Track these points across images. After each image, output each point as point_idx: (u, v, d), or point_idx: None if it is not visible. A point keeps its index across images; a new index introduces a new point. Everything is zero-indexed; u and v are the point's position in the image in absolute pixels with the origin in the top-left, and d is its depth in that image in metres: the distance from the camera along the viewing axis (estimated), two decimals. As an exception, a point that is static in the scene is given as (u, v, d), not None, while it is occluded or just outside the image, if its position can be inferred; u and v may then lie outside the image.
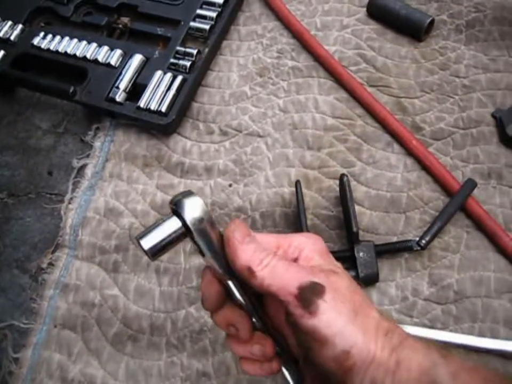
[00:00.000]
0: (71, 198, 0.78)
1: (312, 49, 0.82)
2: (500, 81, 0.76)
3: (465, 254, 0.67)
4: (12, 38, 0.88)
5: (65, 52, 0.85)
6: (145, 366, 0.67)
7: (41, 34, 0.88)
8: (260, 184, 0.74)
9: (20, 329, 0.71)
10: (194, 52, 0.82)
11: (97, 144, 0.82)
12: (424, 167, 0.72)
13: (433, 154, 0.72)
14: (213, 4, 0.87)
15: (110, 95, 0.80)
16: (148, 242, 0.42)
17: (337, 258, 0.47)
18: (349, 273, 0.45)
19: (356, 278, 0.64)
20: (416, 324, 0.64)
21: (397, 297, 0.66)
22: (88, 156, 0.82)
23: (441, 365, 0.38)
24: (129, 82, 0.81)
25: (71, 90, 0.81)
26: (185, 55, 0.82)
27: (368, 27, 0.84)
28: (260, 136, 0.78)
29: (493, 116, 0.74)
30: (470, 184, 0.68)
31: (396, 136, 0.74)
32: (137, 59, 0.83)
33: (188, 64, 0.81)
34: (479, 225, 0.68)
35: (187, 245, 0.71)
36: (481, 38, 0.80)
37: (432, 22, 0.80)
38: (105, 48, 0.84)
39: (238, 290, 0.45)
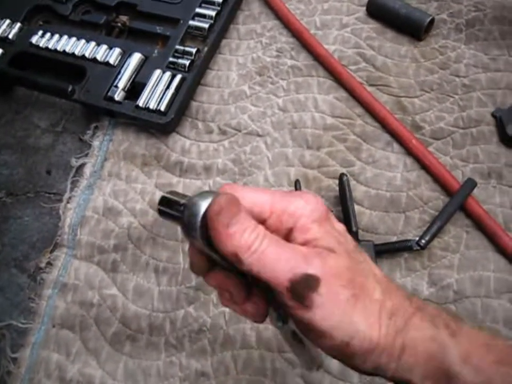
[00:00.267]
0: (70, 197, 0.78)
1: (312, 48, 0.82)
2: (500, 80, 0.76)
3: (465, 253, 0.67)
4: (10, 36, 0.88)
5: (64, 51, 0.85)
6: (144, 366, 0.66)
7: (40, 32, 0.88)
8: (259, 183, 0.74)
9: (18, 328, 0.71)
10: (194, 50, 0.82)
11: (96, 143, 0.82)
12: (424, 166, 0.72)
13: (433, 154, 0.72)
14: (212, 3, 0.86)
15: (109, 94, 0.80)
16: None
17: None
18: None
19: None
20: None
21: (397, 297, 0.65)
22: (86, 155, 0.81)
23: (450, 347, 0.36)
24: (128, 81, 0.81)
25: (69, 89, 0.81)
26: (184, 53, 0.82)
27: (367, 26, 0.83)
28: (259, 135, 0.78)
29: (493, 115, 0.74)
30: (470, 184, 0.68)
31: (395, 136, 0.74)
32: (136, 58, 0.82)
33: (187, 63, 0.81)
34: (479, 225, 0.67)
35: (185, 245, 0.71)
36: (481, 37, 0.80)
37: (432, 21, 0.80)
38: (104, 46, 0.84)
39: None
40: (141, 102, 0.79)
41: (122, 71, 0.82)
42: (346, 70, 0.79)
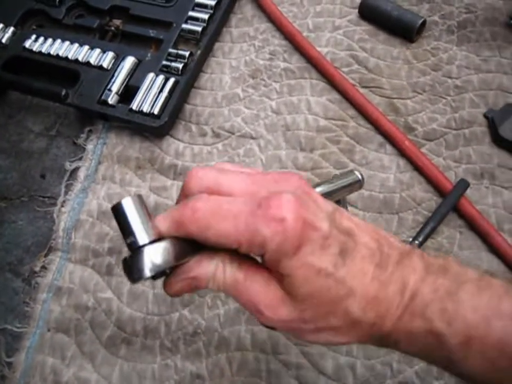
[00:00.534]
0: (64, 201, 0.78)
1: (304, 51, 0.82)
2: (491, 81, 0.77)
3: (458, 254, 0.67)
4: (4, 40, 0.88)
5: (57, 55, 0.85)
6: (139, 369, 0.66)
7: (33, 36, 0.87)
8: (253, 185, 0.74)
9: (13, 333, 0.71)
10: (187, 54, 0.82)
11: (89, 146, 0.82)
12: (417, 167, 0.72)
13: (425, 155, 0.72)
14: (205, 6, 0.86)
15: (103, 97, 0.80)
16: None
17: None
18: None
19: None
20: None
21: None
22: (80, 158, 0.81)
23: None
24: (122, 84, 0.81)
25: (63, 93, 0.81)
26: (178, 57, 0.82)
27: (360, 28, 0.84)
28: (252, 138, 0.78)
29: (485, 116, 0.74)
30: (463, 185, 0.69)
31: (388, 137, 0.75)
32: (129, 61, 0.82)
33: (180, 66, 0.81)
34: (472, 226, 0.68)
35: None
36: (472, 38, 0.80)
37: (423, 23, 0.80)
38: (97, 50, 0.84)
39: None
40: (134, 106, 0.79)
41: (115, 75, 0.82)
42: (339, 72, 0.79)
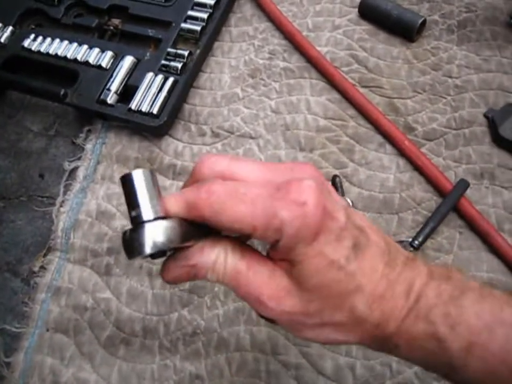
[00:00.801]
0: (63, 201, 0.78)
1: (304, 50, 0.82)
2: (492, 81, 0.76)
3: (458, 254, 0.67)
4: (2, 40, 0.88)
5: (56, 54, 0.85)
6: (138, 369, 0.66)
7: (32, 36, 0.87)
8: (252, 185, 0.74)
9: (11, 333, 0.71)
10: (186, 53, 0.82)
11: (88, 146, 0.81)
12: (417, 167, 0.72)
13: (425, 155, 0.72)
14: (204, 5, 0.86)
15: (101, 97, 0.80)
16: None
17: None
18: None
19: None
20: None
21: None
22: (79, 158, 0.81)
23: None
24: (121, 84, 0.81)
25: (62, 93, 0.81)
26: (177, 56, 0.82)
27: (359, 28, 0.84)
28: (251, 137, 0.78)
29: (485, 116, 0.74)
30: (463, 185, 0.68)
31: (388, 137, 0.74)
32: (128, 61, 0.82)
33: (179, 65, 0.81)
34: (472, 226, 0.68)
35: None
36: (473, 38, 0.80)
37: (424, 22, 0.80)
38: (96, 50, 0.84)
39: None
40: (133, 105, 0.79)
41: (114, 74, 0.82)
42: (338, 72, 0.79)
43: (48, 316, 0.71)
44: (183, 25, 0.85)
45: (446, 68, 0.78)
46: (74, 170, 0.80)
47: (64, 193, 0.79)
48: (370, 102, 0.76)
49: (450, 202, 0.67)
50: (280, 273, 0.38)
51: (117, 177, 0.78)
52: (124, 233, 0.37)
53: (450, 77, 0.78)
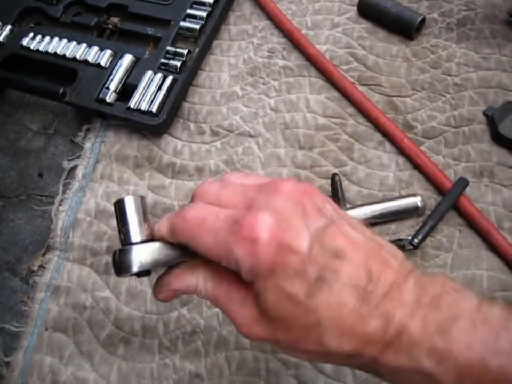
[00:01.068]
0: (62, 200, 0.78)
1: (303, 49, 0.82)
2: (491, 79, 0.76)
3: (458, 252, 0.67)
4: (1, 39, 0.87)
5: (55, 53, 0.85)
6: (138, 368, 0.66)
7: (31, 35, 0.87)
8: (251, 184, 0.74)
9: (10, 332, 0.71)
10: (185, 51, 0.82)
11: (87, 145, 0.81)
12: (416, 165, 0.72)
13: (425, 153, 0.72)
14: (203, 4, 0.86)
15: (100, 95, 0.80)
16: None
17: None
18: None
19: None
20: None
21: (390, 296, 0.65)
22: (78, 157, 0.81)
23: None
24: (120, 82, 0.81)
25: (61, 91, 0.80)
26: (176, 55, 0.82)
27: (359, 26, 0.83)
28: (251, 136, 0.78)
29: (484, 114, 0.74)
30: (462, 183, 0.68)
31: (387, 135, 0.74)
32: (127, 59, 0.82)
33: (178, 64, 0.81)
34: (472, 224, 0.67)
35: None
36: (472, 36, 0.80)
37: (423, 20, 0.80)
38: (95, 48, 0.84)
39: None
40: (132, 104, 0.79)
41: (113, 73, 0.81)
42: (337, 70, 0.79)
43: (47, 315, 0.70)
44: (182, 23, 0.85)
45: (445, 66, 0.78)
46: (73, 169, 0.80)
47: (63, 192, 0.78)
48: (369, 100, 0.76)
49: (450, 201, 0.67)
50: (251, 302, 0.38)
51: (116, 175, 0.78)
52: (114, 252, 0.41)
53: (449, 75, 0.78)
